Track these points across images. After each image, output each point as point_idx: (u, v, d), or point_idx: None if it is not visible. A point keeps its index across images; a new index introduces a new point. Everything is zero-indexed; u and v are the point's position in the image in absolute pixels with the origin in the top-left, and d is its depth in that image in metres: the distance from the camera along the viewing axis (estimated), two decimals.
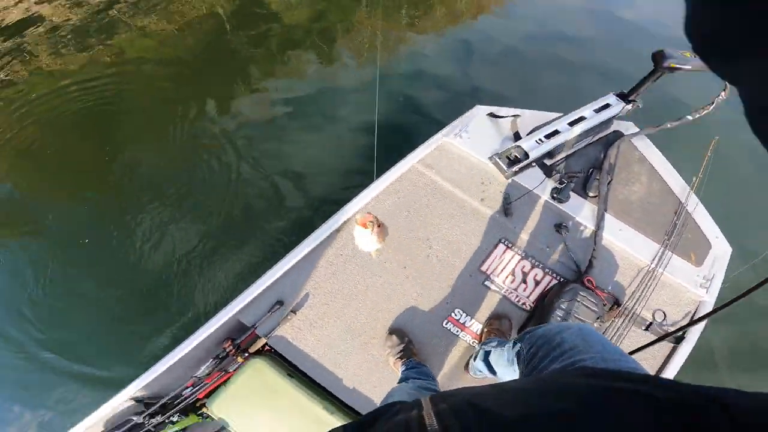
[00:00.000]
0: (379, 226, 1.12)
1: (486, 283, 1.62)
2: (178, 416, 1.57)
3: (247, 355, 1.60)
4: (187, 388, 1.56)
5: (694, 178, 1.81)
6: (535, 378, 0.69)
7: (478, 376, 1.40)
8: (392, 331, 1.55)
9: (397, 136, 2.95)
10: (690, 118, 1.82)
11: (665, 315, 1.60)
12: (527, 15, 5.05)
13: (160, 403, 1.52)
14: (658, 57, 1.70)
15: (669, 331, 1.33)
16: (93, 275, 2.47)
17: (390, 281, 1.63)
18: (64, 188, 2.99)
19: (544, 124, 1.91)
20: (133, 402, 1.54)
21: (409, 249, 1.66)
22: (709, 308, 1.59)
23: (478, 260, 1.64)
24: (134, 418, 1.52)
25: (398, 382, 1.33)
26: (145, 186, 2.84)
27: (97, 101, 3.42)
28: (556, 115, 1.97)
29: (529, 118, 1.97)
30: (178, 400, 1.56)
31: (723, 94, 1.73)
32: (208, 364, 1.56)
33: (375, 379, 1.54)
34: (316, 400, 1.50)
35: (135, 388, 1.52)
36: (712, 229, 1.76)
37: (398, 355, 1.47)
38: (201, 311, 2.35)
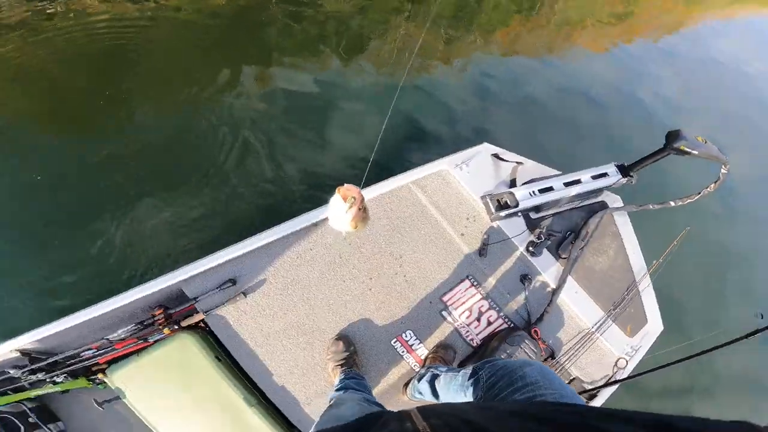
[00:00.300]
0: (361, 209, 0.94)
1: (443, 313, 1.73)
2: (65, 377, 1.47)
3: (176, 327, 1.52)
4: (90, 349, 1.46)
5: (654, 262, 1.97)
6: (516, 403, 0.72)
7: (416, 398, 1.48)
8: (340, 337, 1.58)
9: (398, 150, 3.07)
10: (673, 203, 1.91)
11: (588, 374, 1.80)
12: (557, 68, 5.23)
13: (50, 360, 1.43)
14: (672, 136, 1.74)
15: (586, 388, 1.52)
16: (32, 212, 2.45)
17: (352, 288, 1.67)
18: (45, 118, 2.90)
19: (542, 178, 2.00)
20: (18, 354, 1.44)
21: (380, 262, 1.72)
22: (625, 374, 1.78)
23: (442, 290, 1.75)
24: (10, 371, 1.40)
25: (335, 390, 1.33)
26: (129, 140, 2.81)
27: (117, 44, 3.38)
28: (556, 172, 2.06)
29: (530, 168, 2.05)
30: (73, 361, 1.45)
31: (712, 186, 1.79)
32: (127, 328, 1.47)
33: (308, 380, 1.56)
34: (238, 390, 1.44)
35: (27, 340, 1.44)
36: (653, 308, 1.94)
37: (340, 362, 1.48)
38: (141, 272, 2.33)
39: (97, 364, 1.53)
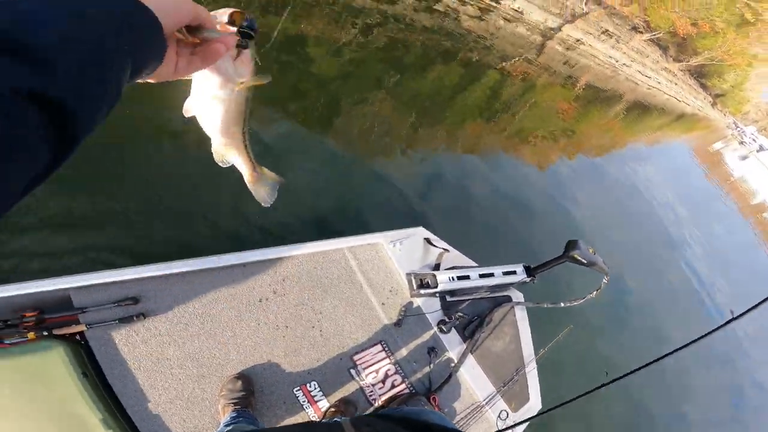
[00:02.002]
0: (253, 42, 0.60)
1: (351, 371, 1.95)
2: None
3: (45, 334, 1.40)
4: None
5: (541, 350, 2.41)
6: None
7: None
8: (240, 376, 1.57)
9: (340, 214, 3.53)
10: (563, 304, 2.33)
11: None
12: (501, 172, 6.27)
13: None
14: (570, 245, 2.11)
15: None
16: None
17: (265, 332, 1.75)
18: None
19: (462, 267, 2.40)
20: None
21: (299, 313, 1.88)
22: None
23: (354, 350, 1.97)
24: None
25: (224, 426, 1.30)
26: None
27: None
28: (474, 264, 2.49)
29: (454, 256, 2.46)
30: None
31: (594, 293, 2.20)
32: None
33: (190, 413, 1.50)
34: (97, 411, 1.31)
35: None
36: (536, 389, 2.33)
37: (234, 401, 1.44)
38: (21, 267, 2.20)
39: None
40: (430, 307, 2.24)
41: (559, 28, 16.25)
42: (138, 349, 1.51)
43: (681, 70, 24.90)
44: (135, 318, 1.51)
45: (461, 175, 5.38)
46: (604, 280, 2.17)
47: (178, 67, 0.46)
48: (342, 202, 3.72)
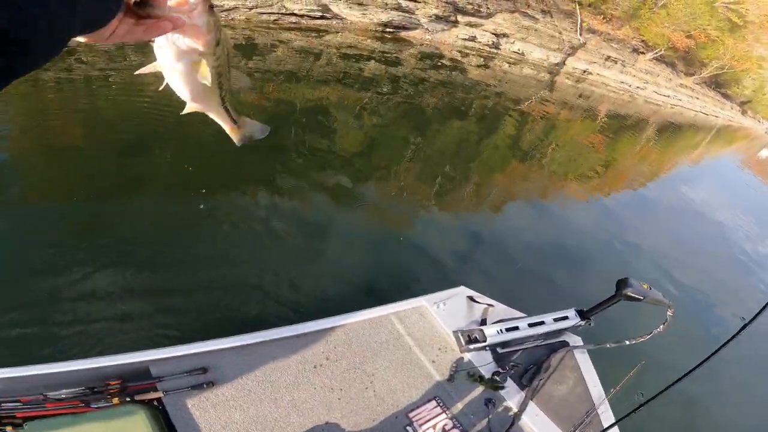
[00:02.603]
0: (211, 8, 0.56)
1: (407, 428, 1.95)
2: None
3: (127, 399, 1.59)
4: (17, 401, 1.49)
5: (612, 390, 2.24)
6: None
7: None
8: None
9: (384, 281, 3.66)
10: (627, 342, 2.23)
11: None
12: (539, 217, 5.99)
13: None
14: (621, 284, 2.08)
15: None
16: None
17: (322, 395, 1.88)
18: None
19: (509, 319, 2.41)
20: None
21: (352, 377, 1.98)
22: None
23: (409, 407, 1.99)
24: None
25: None
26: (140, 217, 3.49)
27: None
28: (522, 314, 2.48)
29: (500, 310, 2.49)
30: None
31: (662, 327, 2.13)
32: (73, 390, 1.52)
33: None
34: None
35: None
36: (612, 430, 2.15)
37: None
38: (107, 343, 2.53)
39: (13, 417, 1.53)
40: (482, 360, 2.27)
41: (563, 63, 16.71)
42: (208, 413, 1.68)
43: (697, 84, 24.61)
44: (205, 386, 1.71)
45: (498, 228, 5.22)
46: (668, 313, 2.11)
47: (115, 32, 0.45)
48: (382, 269, 3.82)
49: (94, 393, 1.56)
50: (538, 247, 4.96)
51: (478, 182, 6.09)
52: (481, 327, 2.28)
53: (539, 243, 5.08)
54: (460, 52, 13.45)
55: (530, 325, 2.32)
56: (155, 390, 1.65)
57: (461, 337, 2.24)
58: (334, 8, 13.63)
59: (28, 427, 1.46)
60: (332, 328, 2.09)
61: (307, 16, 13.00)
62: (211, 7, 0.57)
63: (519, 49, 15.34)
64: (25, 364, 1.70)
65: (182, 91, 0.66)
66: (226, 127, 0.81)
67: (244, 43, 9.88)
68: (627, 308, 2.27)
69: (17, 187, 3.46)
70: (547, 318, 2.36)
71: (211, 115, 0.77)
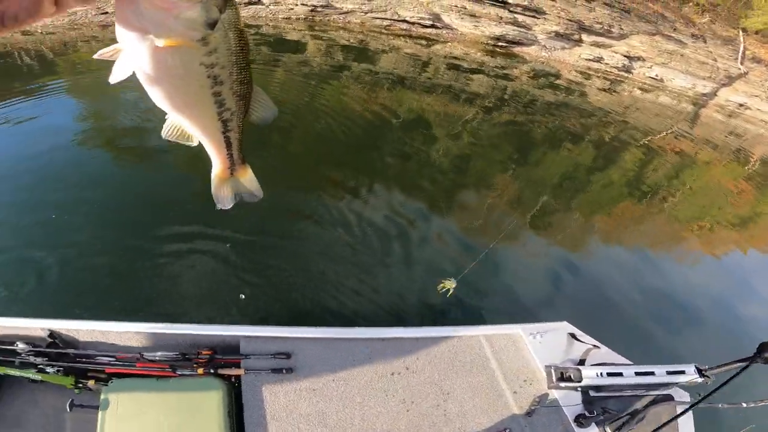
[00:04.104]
0: None
1: None
2: (57, 370, 1.62)
3: (211, 371, 1.74)
4: (111, 356, 1.64)
5: None
6: None
7: None
8: None
9: (477, 299, 3.58)
10: (744, 405, 2.00)
11: None
12: (657, 262, 5.26)
13: (63, 351, 1.61)
14: (764, 347, 1.91)
15: None
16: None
17: (392, 404, 1.92)
18: None
19: (613, 364, 2.29)
20: (44, 332, 1.66)
21: (427, 391, 1.99)
22: None
23: None
24: (19, 345, 1.60)
25: None
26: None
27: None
28: (628, 361, 2.35)
29: (604, 353, 2.36)
30: (82, 360, 1.61)
31: None
32: (166, 353, 1.67)
33: None
34: None
35: (64, 326, 1.67)
36: None
37: None
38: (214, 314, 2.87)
39: (101, 371, 1.69)
40: (570, 400, 2.20)
41: (714, 93, 14.53)
42: (278, 399, 1.79)
43: None
44: (284, 371, 1.82)
45: (604, 268, 4.84)
46: None
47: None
48: (478, 290, 3.76)
49: (185, 359, 1.73)
50: (650, 296, 4.49)
51: (584, 217, 5.61)
52: (579, 366, 2.19)
53: (652, 292, 4.59)
54: (581, 73, 12.66)
55: (637, 374, 2.20)
56: (238, 366, 1.79)
57: (553, 373, 2.17)
58: (446, 18, 13.97)
59: (112, 384, 1.61)
60: (418, 339, 2.14)
61: (418, 24, 13.54)
62: None
63: (657, 75, 13.86)
64: (128, 316, 2.02)
65: (154, 93, 0.48)
66: (218, 166, 0.62)
67: (357, 45, 10.61)
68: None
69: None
70: (659, 369, 2.22)
71: (204, 142, 0.58)
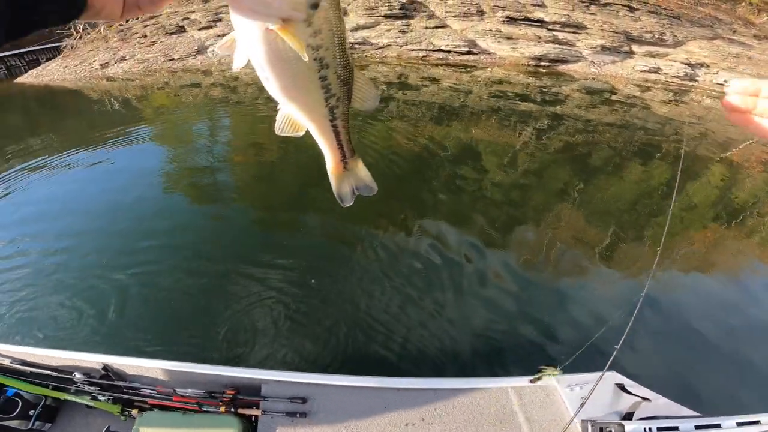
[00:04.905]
0: None
1: None
2: (107, 399, 1.89)
3: (232, 410, 1.92)
4: (154, 389, 1.90)
5: None
6: None
7: None
8: None
9: (516, 346, 3.30)
10: None
11: None
12: (740, 293, 4.55)
13: (115, 383, 1.86)
14: None
15: None
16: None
17: None
18: None
19: (670, 417, 1.96)
20: (98, 366, 1.90)
21: None
22: None
23: None
24: (77, 375, 1.87)
25: None
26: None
27: None
28: (691, 413, 2.04)
29: (661, 405, 2.07)
30: (130, 390, 1.89)
31: None
32: (195, 391, 1.91)
33: None
34: None
35: (117, 362, 1.91)
36: None
37: None
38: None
39: (145, 402, 1.94)
40: None
41: None
42: None
43: None
44: (298, 415, 1.91)
45: (675, 301, 4.15)
46: None
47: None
48: (518, 331, 3.43)
49: (211, 397, 1.92)
50: (728, 333, 3.77)
51: (657, 240, 5.01)
52: (623, 421, 1.92)
53: (731, 327, 3.83)
54: (638, 86, 12.02)
55: (698, 427, 1.91)
56: (257, 407, 1.93)
57: (590, 428, 1.93)
58: (482, 43, 14.03)
59: (145, 415, 1.88)
60: (436, 390, 2.10)
61: (454, 51, 13.69)
62: None
63: (725, 81, 12.87)
64: (162, 354, 2.36)
65: (265, 77, 0.51)
66: (331, 160, 0.66)
67: (397, 80, 10.83)
68: None
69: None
70: (728, 421, 1.94)
71: (314, 133, 0.60)
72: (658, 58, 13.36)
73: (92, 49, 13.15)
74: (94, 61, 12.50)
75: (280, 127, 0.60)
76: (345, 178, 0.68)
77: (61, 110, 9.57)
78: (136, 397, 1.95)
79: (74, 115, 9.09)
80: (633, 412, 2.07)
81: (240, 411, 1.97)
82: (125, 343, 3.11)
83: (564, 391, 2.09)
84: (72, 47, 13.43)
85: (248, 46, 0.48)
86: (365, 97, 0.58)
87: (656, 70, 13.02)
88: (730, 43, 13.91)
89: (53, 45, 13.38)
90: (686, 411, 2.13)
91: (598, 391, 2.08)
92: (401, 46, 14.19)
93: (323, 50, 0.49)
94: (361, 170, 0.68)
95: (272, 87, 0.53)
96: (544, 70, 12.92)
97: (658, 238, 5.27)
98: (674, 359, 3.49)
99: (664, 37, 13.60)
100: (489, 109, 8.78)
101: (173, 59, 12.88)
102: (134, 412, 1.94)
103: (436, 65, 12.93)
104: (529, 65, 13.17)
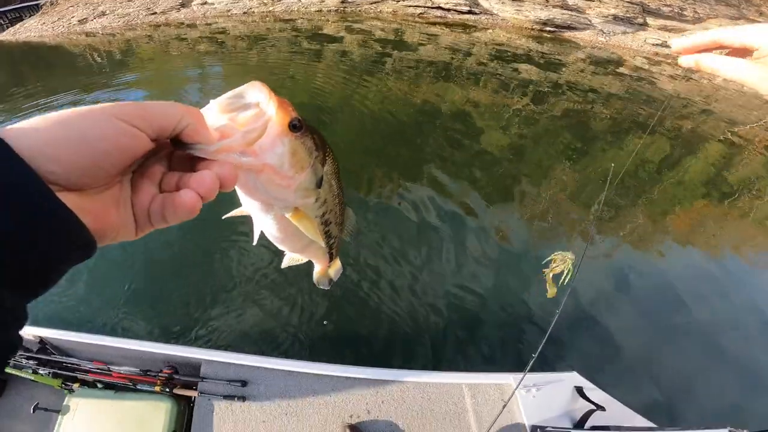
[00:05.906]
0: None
1: None
2: (48, 373, 1.88)
3: (167, 390, 1.89)
4: (91, 363, 1.90)
5: None
6: None
7: None
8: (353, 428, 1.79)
9: (466, 340, 3.03)
10: None
11: None
12: (733, 279, 4.39)
13: (54, 358, 1.86)
14: None
15: None
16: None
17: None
18: None
19: (625, 428, 1.96)
20: (35, 339, 1.88)
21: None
22: None
23: None
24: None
25: None
26: None
27: None
28: (650, 424, 2.04)
29: (617, 413, 2.03)
30: (70, 365, 1.89)
31: None
32: (132, 369, 1.89)
33: None
34: None
35: (52, 334, 1.88)
36: None
37: None
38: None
39: (86, 376, 1.92)
40: None
41: None
42: (227, 425, 1.82)
43: None
44: (236, 398, 1.87)
45: (667, 281, 3.91)
46: None
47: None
48: (481, 322, 3.15)
49: (145, 375, 1.89)
50: (712, 330, 3.56)
51: (651, 213, 4.85)
52: (574, 430, 1.92)
53: (717, 324, 3.62)
54: (647, 59, 11.66)
55: None
56: (194, 388, 1.88)
57: None
58: (484, 3, 13.41)
59: (76, 391, 1.87)
60: (387, 381, 2.03)
61: (454, 10, 13.06)
62: (298, 125, 0.38)
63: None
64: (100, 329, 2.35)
65: (278, 244, 0.59)
66: (320, 268, 0.78)
67: (392, 37, 10.29)
68: None
69: None
70: None
71: (312, 259, 0.73)
72: (673, 32, 12.94)
73: (72, 6, 12.72)
74: (72, 17, 12.05)
75: (287, 265, 0.72)
76: (327, 274, 0.81)
77: (47, 64, 9.63)
78: (74, 373, 1.91)
79: (61, 67, 9.18)
80: (586, 420, 2.04)
81: (176, 391, 1.93)
82: (61, 315, 2.97)
83: (519, 393, 2.04)
84: (52, 4, 13.00)
85: (260, 225, 0.53)
86: (348, 226, 0.66)
87: (669, 45, 12.60)
88: (753, 23, 13.49)
89: (35, 2, 12.95)
90: (641, 421, 2.11)
91: (555, 393, 2.07)
92: (398, 1, 13.49)
93: (328, 212, 0.54)
94: (337, 267, 0.81)
95: (284, 248, 0.63)
96: (549, 36, 12.42)
97: (648, 208, 5.09)
98: (638, 360, 3.29)
99: (684, 12, 13.13)
100: (488, 71, 8.39)
101: (155, 13, 12.36)
102: (76, 386, 1.92)
103: (434, 23, 12.32)
104: (533, 29, 12.64)
